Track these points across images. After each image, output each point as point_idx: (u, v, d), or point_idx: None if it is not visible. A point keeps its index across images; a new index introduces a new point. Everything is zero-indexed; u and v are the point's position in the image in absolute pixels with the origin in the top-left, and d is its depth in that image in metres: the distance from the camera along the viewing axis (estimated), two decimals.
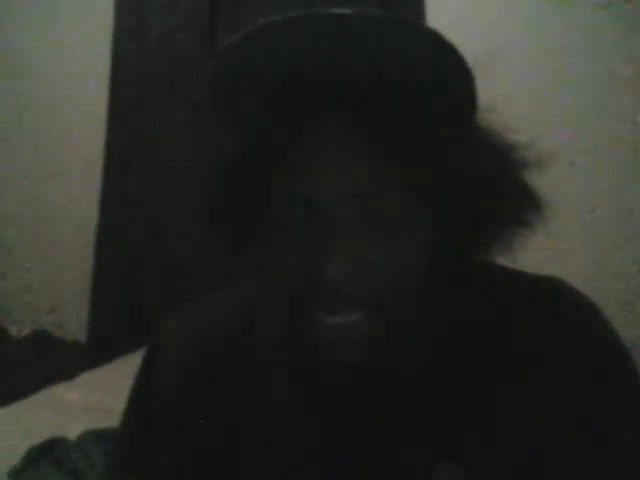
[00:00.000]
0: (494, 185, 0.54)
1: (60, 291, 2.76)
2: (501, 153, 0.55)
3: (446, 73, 0.50)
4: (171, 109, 2.27)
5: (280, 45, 0.50)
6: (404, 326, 0.57)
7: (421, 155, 0.52)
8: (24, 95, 2.72)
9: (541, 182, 0.56)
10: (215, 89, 0.54)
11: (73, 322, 2.64)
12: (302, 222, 0.53)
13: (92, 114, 2.45)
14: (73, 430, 1.53)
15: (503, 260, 0.59)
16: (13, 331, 2.79)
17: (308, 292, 0.52)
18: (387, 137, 0.51)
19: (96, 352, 2.32)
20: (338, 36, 0.48)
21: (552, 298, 0.59)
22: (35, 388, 1.83)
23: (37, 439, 1.47)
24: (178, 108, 2.23)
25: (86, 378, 1.92)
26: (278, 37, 0.49)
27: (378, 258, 0.52)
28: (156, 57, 2.31)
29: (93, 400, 1.71)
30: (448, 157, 0.52)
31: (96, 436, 1.49)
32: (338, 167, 0.52)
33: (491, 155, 0.54)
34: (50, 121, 2.67)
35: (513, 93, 1.64)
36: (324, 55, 0.50)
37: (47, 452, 1.44)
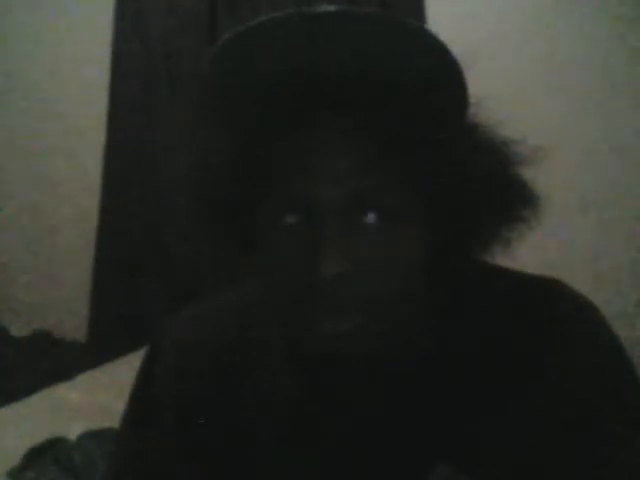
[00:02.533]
0: (492, 182, 0.54)
1: (60, 291, 2.76)
2: (497, 149, 0.55)
3: (439, 72, 0.50)
4: (171, 109, 2.27)
5: (277, 44, 0.50)
6: (402, 326, 0.57)
7: (418, 154, 0.52)
8: (24, 95, 2.72)
9: (539, 181, 0.56)
10: (212, 89, 0.54)
11: (73, 322, 2.64)
12: (301, 222, 0.53)
13: (92, 114, 2.45)
14: (73, 430, 1.53)
15: (502, 261, 0.59)
16: (13, 331, 2.79)
17: (306, 292, 0.52)
18: (385, 137, 0.51)
19: (96, 352, 2.32)
20: (334, 34, 0.48)
21: (550, 299, 0.59)
22: (35, 388, 1.83)
23: (37, 439, 1.47)
24: (178, 108, 2.23)
25: (86, 378, 1.92)
26: (275, 35, 0.50)
27: (376, 258, 0.52)
28: (156, 57, 2.31)
29: (93, 400, 1.71)
30: (445, 155, 0.52)
31: (96, 436, 1.49)
32: (337, 168, 0.52)
33: (487, 152, 0.55)
34: (50, 121, 2.67)
35: (511, 90, 1.64)
36: (321, 54, 0.50)
37: (47, 452, 1.44)
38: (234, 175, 0.57)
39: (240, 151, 0.56)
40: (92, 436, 1.50)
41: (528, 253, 0.62)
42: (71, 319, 2.67)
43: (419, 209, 0.54)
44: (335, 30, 0.48)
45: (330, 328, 0.52)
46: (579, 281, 0.63)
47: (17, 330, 2.79)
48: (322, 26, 0.48)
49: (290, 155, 0.53)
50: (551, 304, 0.59)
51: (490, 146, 0.55)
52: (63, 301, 2.75)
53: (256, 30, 0.49)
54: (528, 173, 0.56)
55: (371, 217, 0.52)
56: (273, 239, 0.55)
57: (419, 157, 0.52)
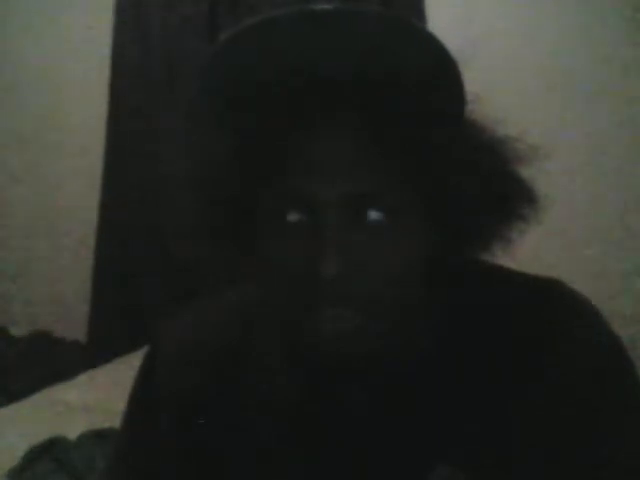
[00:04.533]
0: (491, 180, 0.54)
1: (60, 291, 2.76)
2: (496, 148, 0.55)
3: (438, 71, 0.50)
4: (171, 109, 2.27)
5: (276, 42, 0.50)
6: (402, 326, 0.57)
7: (418, 153, 0.52)
8: (24, 95, 2.72)
9: (538, 181, 0.56)
10: (211, 88, 0.54)
11: (73, 322, 2.64)
12: (301, 222, 0.53)
13: (92, 114, 2.45)
14: (73, 430, 1.53)
15: (502, 261, 0.59)
16: (13, 331, 2.79)
17: (306, 292, 0.52)
18: (384, 136, 0.51)
19: (96, 352, 2.32)
20: (333, 33, 0.48)
21: (550, 299, 0.59)
22: (35, 388, 1.83)
23: (37, 439, 1.47)
24: (178, 108, 2.23)
25: (86, 378, 1.92)
26: (274, 34, 0.50)
27: (376, 258, 0.52)
28: (156, 57, 2.31)
29: (93, 400, 1.71)
30: (445, 154, 0.52)
31: (96, 436, 1.49)
32: (336, 167, 0.52)
33: (487, 150, 0.55)
34: (50, 121, 2.67)
35: (510, 89, 1.64)
36: (320, 53, 0.50)
37: (47, 452, 1.44)
38: (234, 174, 0.57)
39: (240, 150, 0.56)
40: (92, 436, 1.50)
41: (528, 253, 0.62)
42: (71, 319, 2.67)
43: (419, 208, 0.54)
44: (334, 29, 0.48)
45: (330, 328, 0.52)
46: (579, 281, 0.63)
47: (17, 330, 2.78)
48: (321, 25, 0.48)
49: (290, 154, 0.53)
50: (551, 304, 0.58)
51: (489, 145, 0.55)
52: (63, 301, 2.75)
53: (255, 29, 0.49)
54: (528, 172, 0.56)
55: (371, 217, 0.52)
56: (273, 239, 0.55)
57: (419, 156, 0.52)
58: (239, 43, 0.50)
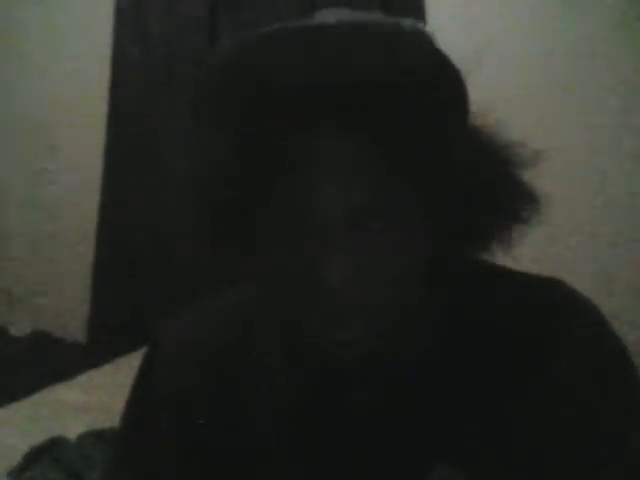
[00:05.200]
0: (493, 184, 0.54)
1: (60, 291, 2.76)
2: (498, 152, 0.55)
3: (439, 76, 0.50)
4: (171, 109, 2.27)
5: (278, 53, 0.50)
6: (402, 326, 0.57)
7: (421, 159, 0.52)
8: (24, 95, 2.72)
9: (540, 182, 0.56)
10: (213, 95, 0.54)
11: (73, 322, 2.64)
12: (302, 223, 0.53)
13: (92, 114, 2.45)
14: (73, 430, 1.53)
15: (503, 261, 0.59)
16: (13, 331, 2.79)
17: (308, 294, 0.52)
18: (387, 142, 0.51)
19: (96, 352, 2.32)
20: (339, 44, 0.49)
21: (551, 298, 0.59)
22: (35, 388, 1.83)
23: (37, 439, 1.47)
24: (178, 108, 2.23)
25: (86, 378, 1.92)
26: (275, 45, 0.50)
27: (380, 264, 0.52)
28: (156, 57, 2.31)
29: (93, 400, 1.71)
30: (447, 159, 0.52)
31: (96, 436, 1.49)
32: (339, 169, 0.52)
33: (488, 154, 0.55)
34: (50, 121, 2.67)
35: (510, 91, 1.64)
36: (325, 63, 0.50)
37: (47, 452, 1.44)
38: (235, 175, 0.57)
39: (241, 151, 0.56)
40: (92, 436, 1.50)
41: (529, 253, 0.62)
42: (71, 319, 2.67)
43: (419, 209, 0.54)
44: (336, 39, 0.48)
45: (335, 336, 0.52)
46: (579, 281, 0.63)
47: (17, 330, 2.79)
48: (323, 37, 0.49)
49: (291, 155, 0.53)
50: (551, 304, 0.58)
51: (491, 148, 0.55)
52: (63, 301, 2.75)
53: (257, 40, 0.50)
54: (529, 174, 0.56)
55: (374, 223, 0.52)
56: (274, 241, 0.55)
57: (421, 162, 0.52)
58: (241, 52, 0.51)
